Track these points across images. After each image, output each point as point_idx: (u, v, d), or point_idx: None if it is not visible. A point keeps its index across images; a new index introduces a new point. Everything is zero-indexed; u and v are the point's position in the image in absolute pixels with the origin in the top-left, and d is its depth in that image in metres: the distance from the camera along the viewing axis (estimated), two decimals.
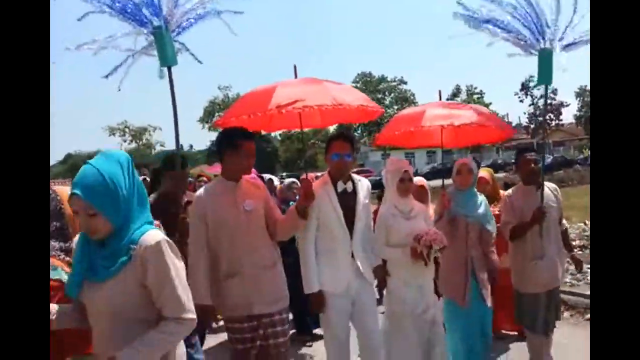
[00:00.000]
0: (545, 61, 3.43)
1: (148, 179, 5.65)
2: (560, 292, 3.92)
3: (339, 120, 4.28)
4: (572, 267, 4.89)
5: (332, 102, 3.15)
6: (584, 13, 3.21)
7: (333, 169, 3.30)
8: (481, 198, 3.78)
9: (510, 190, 3.92)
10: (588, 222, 9.67)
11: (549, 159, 34.43)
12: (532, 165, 3.70)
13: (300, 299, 3.32)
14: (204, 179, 5.45)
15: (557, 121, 45.47)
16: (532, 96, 44.91)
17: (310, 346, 4.95)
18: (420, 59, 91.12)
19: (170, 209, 3.26)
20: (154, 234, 1.82)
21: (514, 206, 3.70)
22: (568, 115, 48.34)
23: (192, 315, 1.84)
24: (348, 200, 3.26)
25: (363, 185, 3.37)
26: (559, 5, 3.30)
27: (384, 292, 3.57)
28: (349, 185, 3.29)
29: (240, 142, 2.96)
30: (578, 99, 44.93)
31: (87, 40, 2.96)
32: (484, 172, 4.66)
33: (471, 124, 3.74)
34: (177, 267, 1.83)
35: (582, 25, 3.31)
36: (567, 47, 3.38)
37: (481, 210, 3.68)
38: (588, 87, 44.36)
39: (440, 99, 4.34)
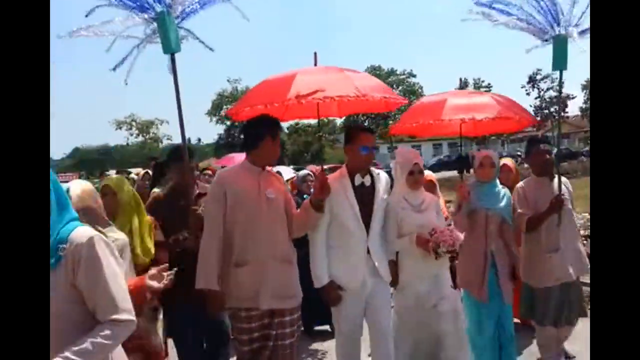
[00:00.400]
0: (561, 47, 3.41)
1: (150, 172, 5.64)
2: (583, 285, 3.80)
3: (356, 111, 4.09)
4: None
5: (355, 93, 2.99)
6: None
7: (360, 162, 3.15)
8: (504, 191, 3.70)
9: (522, 182, 3.86)
10: None
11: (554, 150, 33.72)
12: (546, 156, 3.68)
13: (308, 292, 3.23)
14: (209, 172, 5.38)
15: (562, 113, 45.15)
16: (538, 89, 44.59)
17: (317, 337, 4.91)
18: (427, 51, 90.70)
19: (180, 202, 3.20)
20: (85, 230, 1.69)
21: (528, 198, 3.66)
22: (574, 108, 48.03)
23: (129, 315, 1.68)
24: (366, 195, 3.13)
25: (381, 179, 3.24)
26: None
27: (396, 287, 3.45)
28: (367, 179, 3.18)
29: (279, 130, 3.00)
30: (584, 91, 44.47)
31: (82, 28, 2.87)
32: (507, 160, 4.62)
33: (494, 118, 3.65)
34: (111, 264, 1.69)
35: None
36: (583, 32, 3.36)
37: (503, 203, 3.62)
38: None
39: (460, 86, 4.21)
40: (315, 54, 3.36)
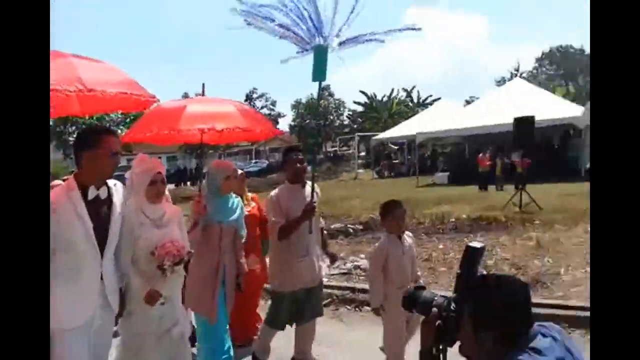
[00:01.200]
0: (321, 58, 3.41)
1: None
2: (321, 287, 3.97)
3: (101, 109, 3.51)
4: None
5: (77, 87, 2.51)
6: (359, 11, 3.35)
7: (108, 170, 2.70)
8: (237, 200, 3.68)
9: (276, 190, 3.88)
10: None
11: (264, 163, 37.54)
12: (298, 164, 3.76)
13: None
14: None
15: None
16: (254, 107, 48.77)
17: None
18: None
19: None
20: None
21: (282, 205, 3.68)
22: (284, 125, 54.10)
23: None
24: (101, 210, 2.70)
25: (119, 190, 2.85)
26: (337, 3, 3.33)
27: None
28: (103, 191, 2.70)
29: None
30: (293, 110, 50.72)
31: None
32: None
33: (234, 128, 3.61)
34: None
35: (358, 23, 3.42)
36: (342, 44, 3.44)
37: (236, 214, 3.60)
38: (302, 100, 50.48)
39: (203, 93, 4.13)
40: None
